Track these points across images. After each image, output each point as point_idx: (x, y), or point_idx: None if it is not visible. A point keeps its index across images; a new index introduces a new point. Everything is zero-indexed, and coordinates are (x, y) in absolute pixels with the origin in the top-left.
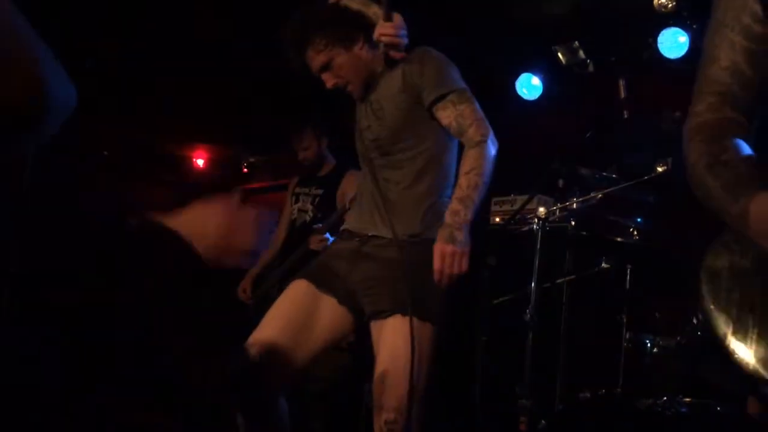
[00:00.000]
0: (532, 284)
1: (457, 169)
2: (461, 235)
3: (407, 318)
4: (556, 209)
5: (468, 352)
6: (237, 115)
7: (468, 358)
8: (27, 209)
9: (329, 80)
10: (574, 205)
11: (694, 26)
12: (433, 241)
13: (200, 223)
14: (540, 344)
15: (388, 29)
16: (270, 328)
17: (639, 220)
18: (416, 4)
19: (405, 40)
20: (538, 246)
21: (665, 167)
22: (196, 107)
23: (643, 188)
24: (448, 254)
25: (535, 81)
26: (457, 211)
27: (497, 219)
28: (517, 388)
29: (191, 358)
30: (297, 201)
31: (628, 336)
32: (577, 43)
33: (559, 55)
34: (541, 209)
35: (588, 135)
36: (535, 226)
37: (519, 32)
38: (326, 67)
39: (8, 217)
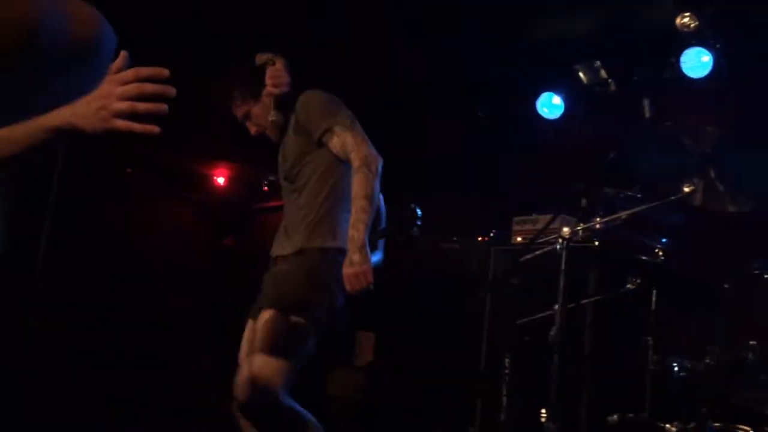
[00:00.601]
0: (557, 305)
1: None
2: (358, 257)
3: (269, 311)
4: (579, 229)
5: (492, 373)
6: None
7: (492, 379)
8: (53, 224)
9: (251, 128)
10: (598, 225)
11: (718, 46)
12: (316, 249)
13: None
14: (565, 366)
15: (267, 75)
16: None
17: (664, 240)
18: (436, 25)
19: (280, 80)
20: (563, 266)
21: (692, 187)
22: (217, 125)
23: (668, 208)
24: (351, 276)
25: (556, 100)
26: (352, 236)
27: (519, 238)
28: (543, 411)
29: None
30: None
31: (654, 359)
32: (598, 62)
33: (580, 74)
34: (566, 229)
35: (611, 156)
36: (558, 246)
37: (539, 51)
38: (246, 117)
39: (37, 230)
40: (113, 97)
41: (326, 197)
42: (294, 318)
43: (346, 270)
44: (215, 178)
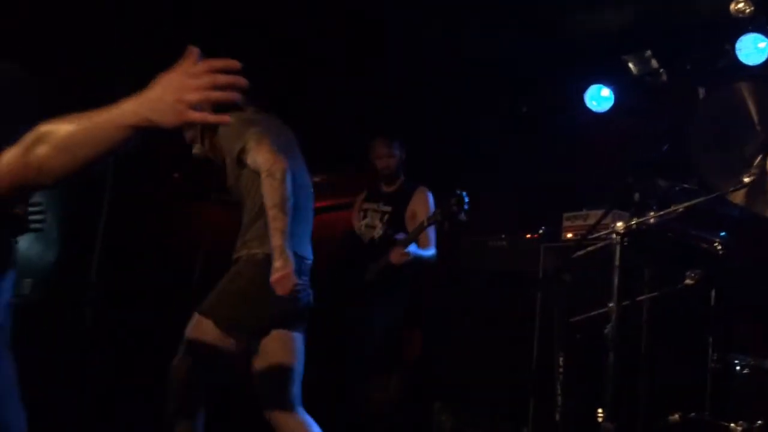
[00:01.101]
0: (612, 302)
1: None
2: (280, 263)
3: (197, 315)
4: (634, 224)
5: (545, 372)
6: (298, 135)
7: (545, 378)
8: (106, 226)
9: (196, 150)
10: (652, 220)
11: None
12: (243, 258)
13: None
14: (620, 364)
15: None
16: None
17: (723, 234)
18: (482, 18)
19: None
20: (617, 262)
21: (752, 177)
22: None
23: (727, 200)
24: (275, 282)
25: (605, 92)
26: (273, 245)
27: (569, 235)
28: (600, 410)
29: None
30: (365, 217)
31: (714, 356)
32: (649, 52)
33: (630, 65)
34: (620, 224)
35: (665, 149)
36: (612, 242)
37: (587, 42)
38: (193, 140)
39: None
40: (187, 89)
41: (258, 211)
42: (210, 325)
43: (272, 277)
44: None
